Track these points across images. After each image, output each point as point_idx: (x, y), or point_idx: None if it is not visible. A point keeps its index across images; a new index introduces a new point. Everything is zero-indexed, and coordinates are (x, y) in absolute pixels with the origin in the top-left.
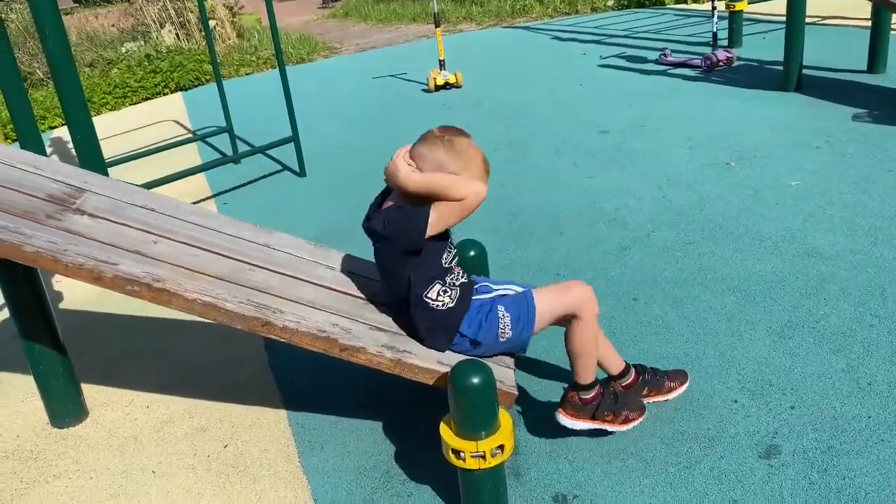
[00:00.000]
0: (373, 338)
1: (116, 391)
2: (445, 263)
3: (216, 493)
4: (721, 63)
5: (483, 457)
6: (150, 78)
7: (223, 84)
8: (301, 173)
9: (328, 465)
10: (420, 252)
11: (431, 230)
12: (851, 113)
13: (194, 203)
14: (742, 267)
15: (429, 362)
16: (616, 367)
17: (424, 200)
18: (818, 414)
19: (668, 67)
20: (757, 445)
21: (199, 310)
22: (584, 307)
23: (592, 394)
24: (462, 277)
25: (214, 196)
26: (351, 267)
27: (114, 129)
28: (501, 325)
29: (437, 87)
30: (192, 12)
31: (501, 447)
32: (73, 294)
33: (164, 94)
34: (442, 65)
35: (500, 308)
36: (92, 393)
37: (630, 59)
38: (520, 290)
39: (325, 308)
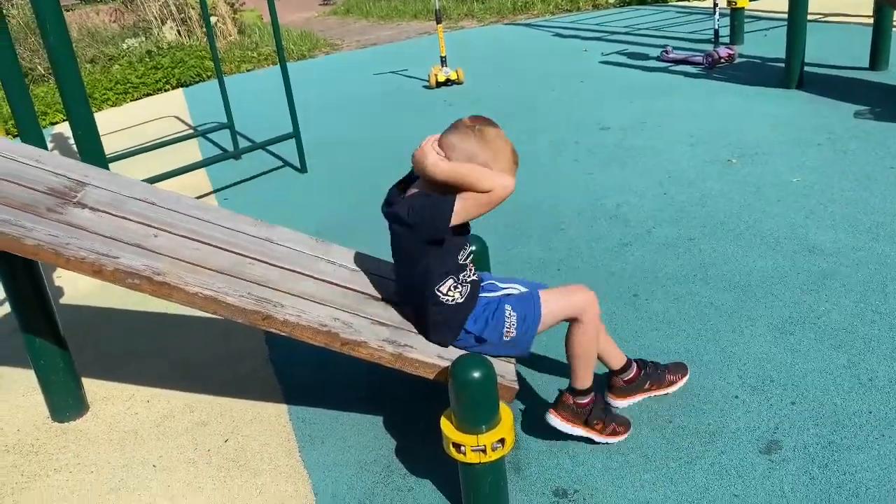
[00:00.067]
0: (374, 332)
1: (117, 385)
2: (461, 260)
3: (217, 488)
4: (723, 60)
5: (484, 451)
6: (151, 74)
7: (224, 80)
8: (302, 169)
9: (329, 460)
10: (443, 242)
11: (456, 219)
12: (853, 110)
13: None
14: (743, 263)
15: (430, 357)
16: (617, 361)
17: (450, 189)
18: (819, 409)
19: (669, 64)
20: (758, 441)
21: (200, 303)
22: (587, 311)
23: (587, 399)
24: (473, 275)
25: (215, 192)
26: (352, 262)
27: (115, 124)
28: (507, 324)
29: (439, 84)
30: (193, 9)
31: (502, 441)
32: (74, 288)
33: (166, 91)
34: (443, 61)
35: (507, 307)
36: (92, 387)
37: (631, 55)
38: (524, 289)
39: (327, 302)
